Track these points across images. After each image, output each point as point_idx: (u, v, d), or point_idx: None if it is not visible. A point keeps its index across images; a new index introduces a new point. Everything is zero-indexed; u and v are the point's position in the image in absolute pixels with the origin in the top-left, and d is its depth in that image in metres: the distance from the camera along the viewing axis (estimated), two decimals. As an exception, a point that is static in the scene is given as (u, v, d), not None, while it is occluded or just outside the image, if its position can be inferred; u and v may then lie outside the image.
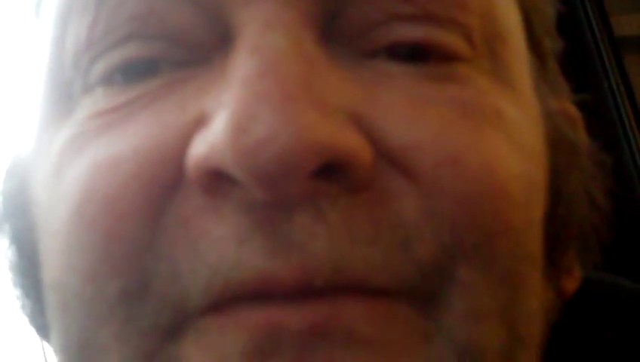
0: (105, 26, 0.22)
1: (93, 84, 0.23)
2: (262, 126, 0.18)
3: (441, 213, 0.20)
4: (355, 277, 0.19)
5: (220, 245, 0.19)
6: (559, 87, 0.29)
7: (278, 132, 0.18)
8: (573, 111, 0.30)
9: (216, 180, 0.20)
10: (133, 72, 0.22)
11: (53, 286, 0.23)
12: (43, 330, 0.28)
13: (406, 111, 0.21)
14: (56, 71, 0.24)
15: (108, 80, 0.23)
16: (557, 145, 0.26)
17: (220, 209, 0.20)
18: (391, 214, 0.20)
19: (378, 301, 0.20)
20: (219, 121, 0.19)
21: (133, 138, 0.21)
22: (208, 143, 0.19)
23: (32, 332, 0.30)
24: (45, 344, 0.29)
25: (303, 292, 0.19)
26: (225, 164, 0.19)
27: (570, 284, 0.29)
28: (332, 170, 0.19)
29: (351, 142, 0.19)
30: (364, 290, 0.20)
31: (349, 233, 0.19)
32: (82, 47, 0.23)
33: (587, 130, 0.31)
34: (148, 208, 0.20)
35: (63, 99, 0.24)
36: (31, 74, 0.27)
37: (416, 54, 0.22)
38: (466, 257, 0.20)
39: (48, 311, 0.24)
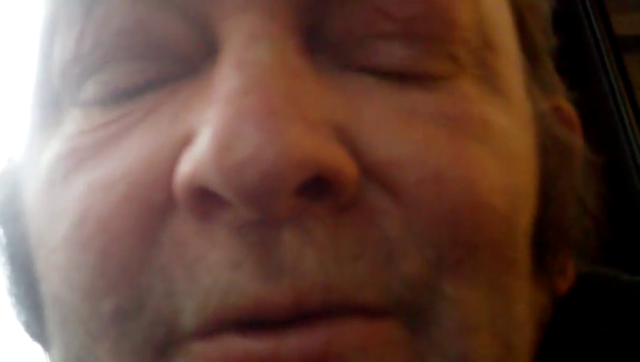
0: (92, 39, 0.22)
1: (83, 100, 0.23)
2: (246, 143, 0.18)
3: (423, 230, 0.20)
4: (345, 295, 0.19)
5: (214, 270, 0.19)
6: (552, 85, 0.29)
7: (262, 149, 0.18)
8: (568, 108, 0.30)
9: (204, 200, 0.20)
10: (123, 90, 0.22)
11: (53, 301, 0.23)
12: (39, 338, 0.28)
13: (390, 125, 0.21)
14: (44, 80, 0.24)
15: (97, 99, 0.23)
16: (548, 147, 0.26)
17: (213, 233, 0.20)
18: (374, 231, 0.20)
19: (371, 323, 0.20)
20: (203, 138, 0.19)
21: (125, 160, 0.21)
22: (193, 161, 0.19)
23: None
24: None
25: (297, 316, 0.19)
26: (210, 182, 0.19)
27: (564, 285, 0.29)
28: (318, 187, 0.19)
29: (335, 157, 0.20)
30: (355, 310, 0.20)
31: (336, 252, 0.19)
32: (70, 60, 0.23)
33: (587, 130, 0.31)
34: (141, 229, 0.21)
35: (51, 108, 0.24)
36: (21, 79, 0.26)
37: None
38: (450, 272, 0.21)
39: (49, 324, 0.24)
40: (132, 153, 0.21)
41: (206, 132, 0.19)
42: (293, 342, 0.19)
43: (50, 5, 0.24)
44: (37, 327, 0.27)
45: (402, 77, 0.22)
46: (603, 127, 0.99)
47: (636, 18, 1.09)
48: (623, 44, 1.03)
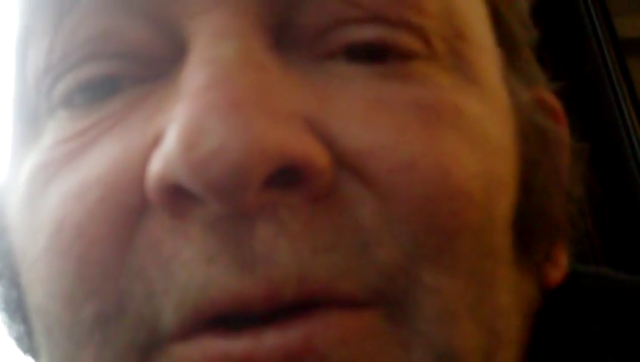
0: (62, 49, 0.23)
1: (56, 106, 0.23)
2: (211, 137, 0.18)
3: (399, 219, 0.20)
4: (321, 286, 0.19)
5: (189, 266, 0.19)
6: (533, 77, 0.29)
7: (228, 142, 0.18)
8: (551, 99, 0.30)
9: (177, 198, 0.20)
10: (94, 92, 0.23)
11: (37, 312, 0.24)
12: (32, 352, 0.28)
13: (362, 115, 0.21)
14: (21, 95, 0.25)
15: (69, 101, 0.23)
16: (528, 136, 0.26)
17: (187, 229, 0.20)
18: (349, 220, 0.20)
19: (350, 315, 0.20)
20: (170, 135, 0.19)
21: (99, 164, 0.21)
22: (162, 159, 0.19)
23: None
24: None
25: (273, 310, 0.19)
26: (179, 178, 0.19)
27: (554, 274, 0.28)
28: (289, 178, 0.19)
29: (304, 147, 0.19)
30: (333, 302, 0.19)
31: (310, 242, 0.19)
32: (42, 71, 0.23)
33: (591, 132, 0.31)
34: (116, 232, 0.21)
35: (30, 122, 0.24)
36: (4, 96, 0.27)
37: (373, 54, 0.22)
38: (429, 260, 0.20)
39: (36, 336, 0.24)
40: (105, 158, 0.21)
41: (173, 129, 0.19)
42: (272, 340, 0.19)
43: (22, 20, 0.24)
44: (28, 342, 0.27)
45: (373, 56, 0.22)
46: (606, 129, 0.99)
47: (639, 21, 1.09)
48: (626, 46, 1.03)
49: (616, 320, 0.30)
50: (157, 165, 0.20)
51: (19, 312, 0.27)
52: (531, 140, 0.26)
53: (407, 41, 0.22)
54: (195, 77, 0.20)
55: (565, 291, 0.29)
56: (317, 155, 0.20)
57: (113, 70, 0.22)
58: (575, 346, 0.30)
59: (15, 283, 0.26)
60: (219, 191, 0.18)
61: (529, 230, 0.25)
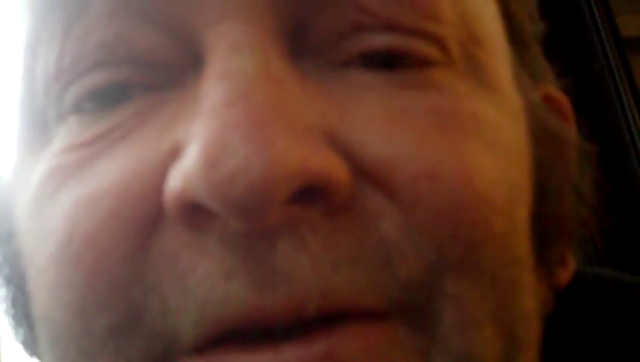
0: (73, 55, 0.22)
1: (66, 112, 0.23)
2: (233, 156, 0.18)
3: (422, 229, 0.20)
4: (344, 300, 0.19)
5: (207, 281, 0.19)
6: (542, 73, 0.29)
7: (250, 161, 0.18)
8: (559, 96, 0.29)
9: (195, 213, 0.19)
10: (105, 99, 0.22)
11: (43, 320, 0.23)
12: (38, 355, 0.27)
13: (381, 125, 0.21)
14: (29, 100, 0.24)
15: (80, 107, 0.23)
16: (540, 138, 0.26)
17: (204, 244, 0.20)
18: (371, 233, 0.20)
19: (371, 327, 0.19)
20: (191, 152, 0.19)
21: (111, 174, 0.21)
22: (182, 177, 0.19)
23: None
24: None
25: (294, 325, 0.19)
26: (200, 196, 0.19)
27: (564, 275, 0.28)
28: (310, 194, 0.19)
29: (326, 164, 0.19)
30: (355, 316, 0.19)
31: (332, 258, 0.19)
32: (51, 77, 0.23)
33: (593, 132, 0.30)
34: (130, 244, 0.20)
35: (39, 127, 0.24)
36: (8, 96, 0.26)
37: (389, 61, 0.22)
38: (452, 270, 0.20)
39: (40, 343, 0.24)
40: (118, 167, 0.21)
41: (193, 146, 0.19)
42: (294, 353, 0.19)
43: (30, 24, 0.24)
44: (34, 345, 0.27)
45: (390, 63, 0.22)
46: (609, 128, 0.98)
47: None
48: (629, 45, 1.03)
49: (623, 323, 0.30)
50: (176, 181, 0.19)
51: (25, 317, 0.26)
52: (543, 142, 0.26)
53: (423, 48, 0.22)
54: (213, 92, 0.19)
55: (571, 293, 0.29)
56: (337, 171, 0.19)
57: (124, 77, 0.22)
58: (584, 349, 0.29)
59: (22, 288, 0.25)
60: (240, 209, 0.18)
61: (544, 235, 0.25)
